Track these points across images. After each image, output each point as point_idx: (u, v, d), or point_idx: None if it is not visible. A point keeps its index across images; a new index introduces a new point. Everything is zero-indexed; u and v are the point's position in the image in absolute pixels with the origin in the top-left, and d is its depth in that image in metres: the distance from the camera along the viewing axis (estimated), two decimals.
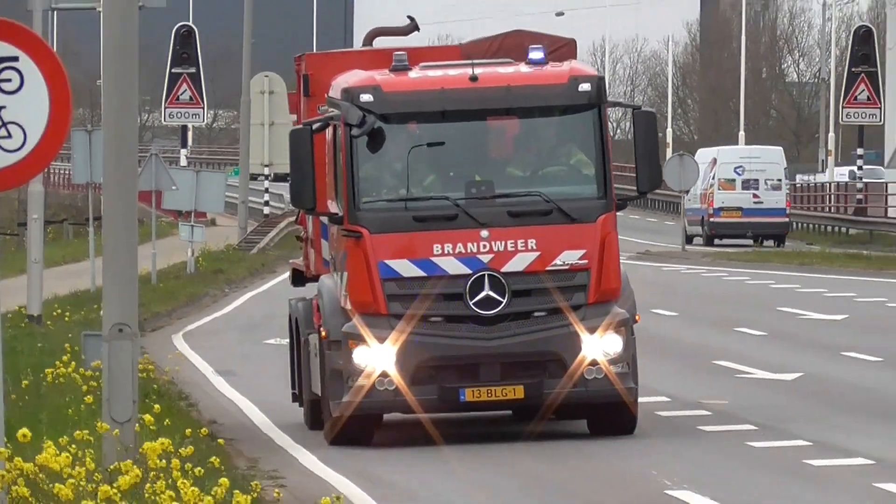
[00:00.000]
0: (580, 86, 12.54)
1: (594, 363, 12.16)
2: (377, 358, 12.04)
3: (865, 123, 78.85)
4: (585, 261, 12.27)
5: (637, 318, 13.31)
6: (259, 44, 56.73)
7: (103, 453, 11.03)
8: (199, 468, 9.46)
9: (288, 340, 20.19)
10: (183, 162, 49.07)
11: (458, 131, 13.11)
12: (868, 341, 28.31)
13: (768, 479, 11.96)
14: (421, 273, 12.17)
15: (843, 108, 78.67)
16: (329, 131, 13.57)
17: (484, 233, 12.04)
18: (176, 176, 40.27)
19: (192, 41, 50.60)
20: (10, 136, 8.31)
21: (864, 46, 77.67)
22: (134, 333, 12.13)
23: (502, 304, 11.95)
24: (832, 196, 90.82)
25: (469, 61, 13.95)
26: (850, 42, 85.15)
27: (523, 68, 13.42)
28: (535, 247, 12.20)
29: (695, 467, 12.89)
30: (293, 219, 44.36)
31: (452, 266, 12.08)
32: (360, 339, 12.04)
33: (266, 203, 59.01)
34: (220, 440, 12.94)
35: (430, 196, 12.71)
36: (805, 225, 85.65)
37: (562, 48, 15.11)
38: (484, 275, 11.96)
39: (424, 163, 13.11)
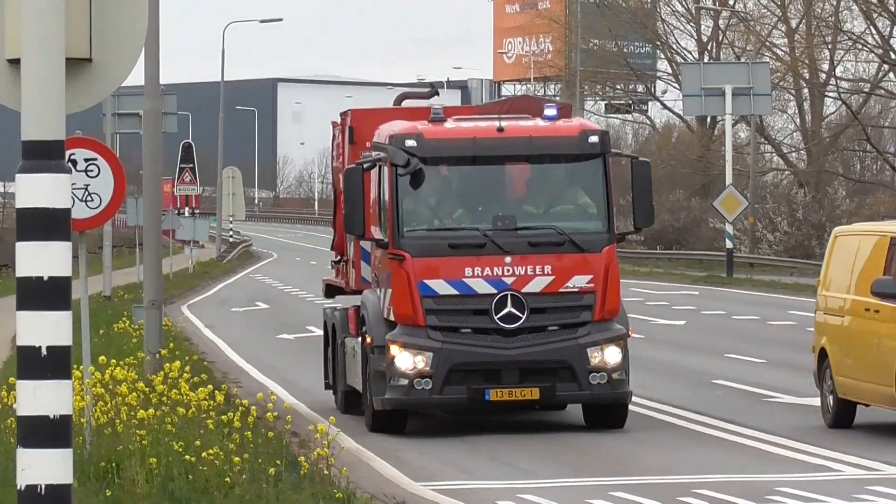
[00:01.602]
0: (589, 138, 13.94)
1: (598, 370, 13.34)
2: (416, 362, 13.20)
3: None
4: (592, 285, 13.55)
5: (630, 333, 15.13)
6: (226, 150, 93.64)
7: (143, 370, 18.21)
8: (195, 378, 15.77)
9: (298, 336, 32.69)
10: (186, 213, 73.65)
11: (486, 173, 14.60)
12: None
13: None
14: (454, 292, 13.44)
15: None
16: (375, 171, 15.06)
17: (508, 259, 13.28)
18: (183, 220, 68.30)
19: (191, 150, 77.51)
20: (93, 200, 13.69)
21: None
22: (160, 306, 22.16)
23: (522, 319, 13.12)
24: None
25: (496, 115, 16.07)
26: None
27: (540, 122, 15.25)
28: (550, 272, 13.44)
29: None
30: (247, 244, 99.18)
31: (481, 286, 13.36)
32: (401, 346, 13.32)
33: (231, 235, 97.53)
34: (206, 363, 22.67)
35: (462, 227, 14.13)
36: None
37: (561, 109, 16.85)
38: (507, 294, 13.20)
39: (458, 199, 14.56)
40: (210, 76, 59.68)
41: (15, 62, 4.87)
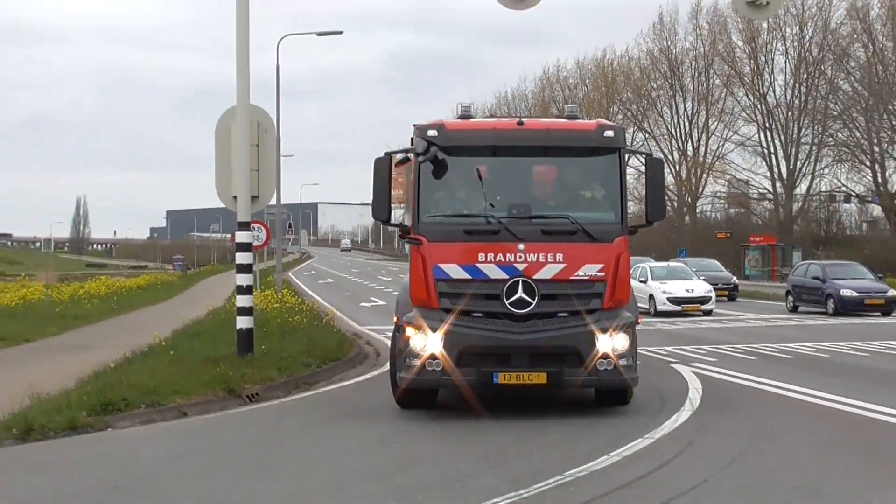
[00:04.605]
0: (605, 132, 13.74)
1: (605, 357, 12.98)
2: (428, 343, 13.04)
3: None
4: (603, 273, 13.20)
5: (640, 319, 14.62)
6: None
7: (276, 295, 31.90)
8: (295, 299, 31.39)
9: (364, 304, 42.30)
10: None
11: (504, 164, 14.16)
12: None
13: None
14: (467, 276, 13.15)
15: None
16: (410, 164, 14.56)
17: (521, 246, 13.07)
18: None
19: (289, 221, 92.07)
20: (258, 239, 31.83)
21: None
22: (281, 271, 35.15)
23: (532, 305, 12.92)
24: None
25: (518, 116, 16.02)
26: None
27: (560, 120, 14.97)
28: (561, 259, 13.12)
29: None
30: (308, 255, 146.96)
31: (493, 272, 13.06)
32: (416, 327, 13.16)
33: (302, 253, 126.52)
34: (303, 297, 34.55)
35: (478, 214, 13.64)
36: None
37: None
38: (519, 280, 12.97)
39: (476, 188, 13.97)
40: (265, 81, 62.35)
41: (234, 198, 17.17)
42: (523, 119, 14.25)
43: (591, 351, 13.07)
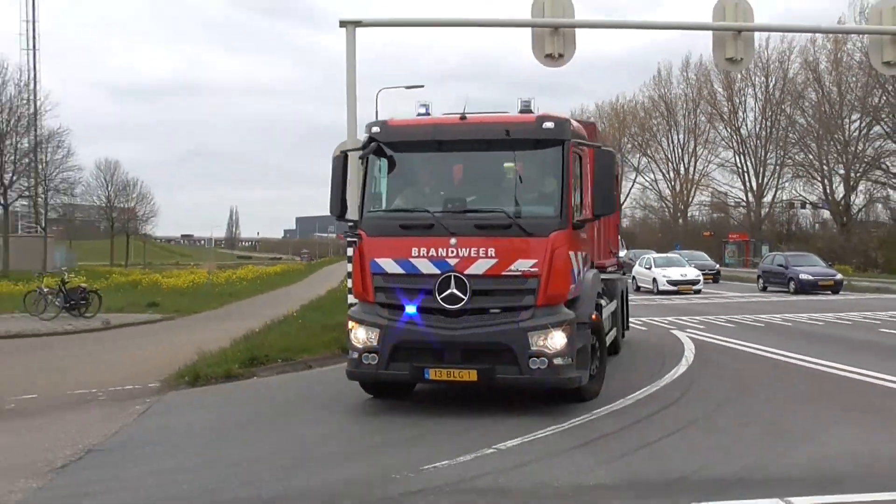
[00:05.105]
0: (544, 124, 10.23)
1: (540, 355, 9.65)
2: (364, 337, 10.08)
3: None
4: (536, 269, 9.82)
5: (594, 317, 10.91)
6: None
7: None
8: None
9: None
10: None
11: (442, 158, 10.83)
12: None
13: None
14: (401, 270, 10.04)
15: None
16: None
17: (453, 240, 9.88)
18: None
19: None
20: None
21: None
22: None
23: (464, 301, 9.76)
24: None
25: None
26: None
27: (503, 113, 11.12)
28: (494, 254, 9.83)
29: None
30: None
31: (426, 266, 9.94)
32: (355, 321, 10.26)
33: None
34: None
35: (414, 209, 10.49)
36: None
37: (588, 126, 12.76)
38: (451, 275, 9.82)
39: (414, 182, 10.94)
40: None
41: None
42: (466, 114, 10.76)
43: (524, 349, 9.68)
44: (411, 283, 10.02)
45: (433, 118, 10.92)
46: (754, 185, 73.83)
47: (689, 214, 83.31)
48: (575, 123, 10.85)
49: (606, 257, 14.17)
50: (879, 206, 65.13)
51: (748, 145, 74.12)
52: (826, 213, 68.03)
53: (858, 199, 64.03)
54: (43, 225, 62.28)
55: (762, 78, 71.20)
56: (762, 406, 9.95)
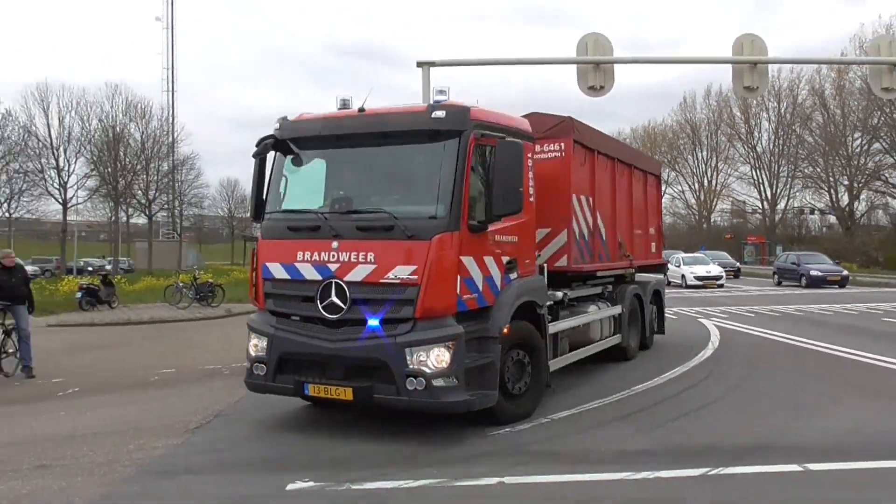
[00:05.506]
0: (434, 113, 7.34)
1: (416, 374, 6.93)
2: (256, 346, 7.79)
3: None
4: (415, 277, 7.06)
5: (505, 330, 7.52)
6: None
7: None
8: None
9: None
10: None
11: (338, 155, 7.99)
12: None
13: None
14: (287, 276, 7.65)
15: None
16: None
17: (335, 244, 7.41)
18: None
19: None
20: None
21: None
22: None
23: (343, 311, 7.24)
24: None
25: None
26: None
27: (406, 106, 7.94)
28: (373, 260, 7.23)
29: None
30: None
31: (309, 272, 7.52)
32: (251, 329, 7.94)
33: None
34: None
35: (303, 210, 7.90)
36: None
37: (559, 125, 9.87)
38: (332, 282, 7.33)
39: (307, 181, 8.18)
40: None
41: None
42: (365, 107, 7.91)
43: (402, 367, 7.00)
44: (295, 290, 7.59)
45: (334, 114, 8.10)
46: (769, 194, 71.93)
47: (711, 220, 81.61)
48: (487, 112, 7.73)
49: (647, 257, 12.94)
50: (880, 211, 63.18)
51: (763, 161, 72.18)
52: (832, 218, 65.89)
53: (861, 206, 61.96)
54: (178, 232, 64.43)
55: (775, 103, 69.20)
56: (779, 384, 9.62)
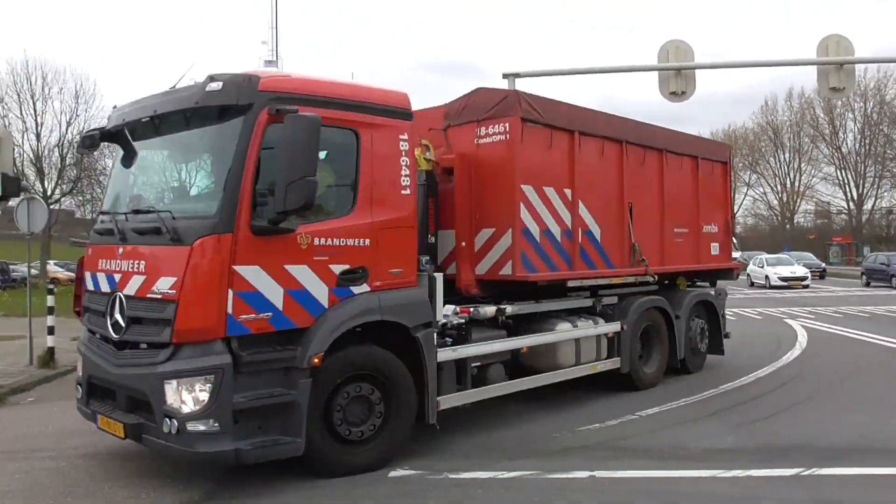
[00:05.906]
0: (209, 85, 5.34)
1: (171, 415, 5.13)
2: (78, 366, 6.19)
3: None
4: (174, 291, 5.22)
5: (316, 360, 5.46)
6: None
7: None
8: None
9: None
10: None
11: (138, 147, 6.11)
12: None
13: None
14: (91, 287, 6.11)
15: None
16: None
17: (120, 250, 5.72)
18: None
19: None
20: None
21: None
22: None
23: (122, 330, 5.58)
24: None
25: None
26: None
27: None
28: (143, 269, 5.49)
29: None
30: None
31: (103, 282, 5.89)
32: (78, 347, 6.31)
33: None
34: None
35: (106, 211, 6.24)
36: None
37: (501, 102, 7.44)
38: (116, 295, 5.67)
39: (115, 178, 6.46)
40: None
41: None
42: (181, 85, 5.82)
43: (161, 403, 5.23)
44: (95, 303, 6.10)
45: (146, 96, 6.10)
46: (855, 195, 68.40)
47: (794, 221, 78.29)
48: (297, 80, 5.69)
49: (696, 261, 10.07)
50: None
51: (848, 161, 68.64)
52: None
53: None
54: None
55: (861, 103, 65.83)
56: (869, 384, 9.22)
